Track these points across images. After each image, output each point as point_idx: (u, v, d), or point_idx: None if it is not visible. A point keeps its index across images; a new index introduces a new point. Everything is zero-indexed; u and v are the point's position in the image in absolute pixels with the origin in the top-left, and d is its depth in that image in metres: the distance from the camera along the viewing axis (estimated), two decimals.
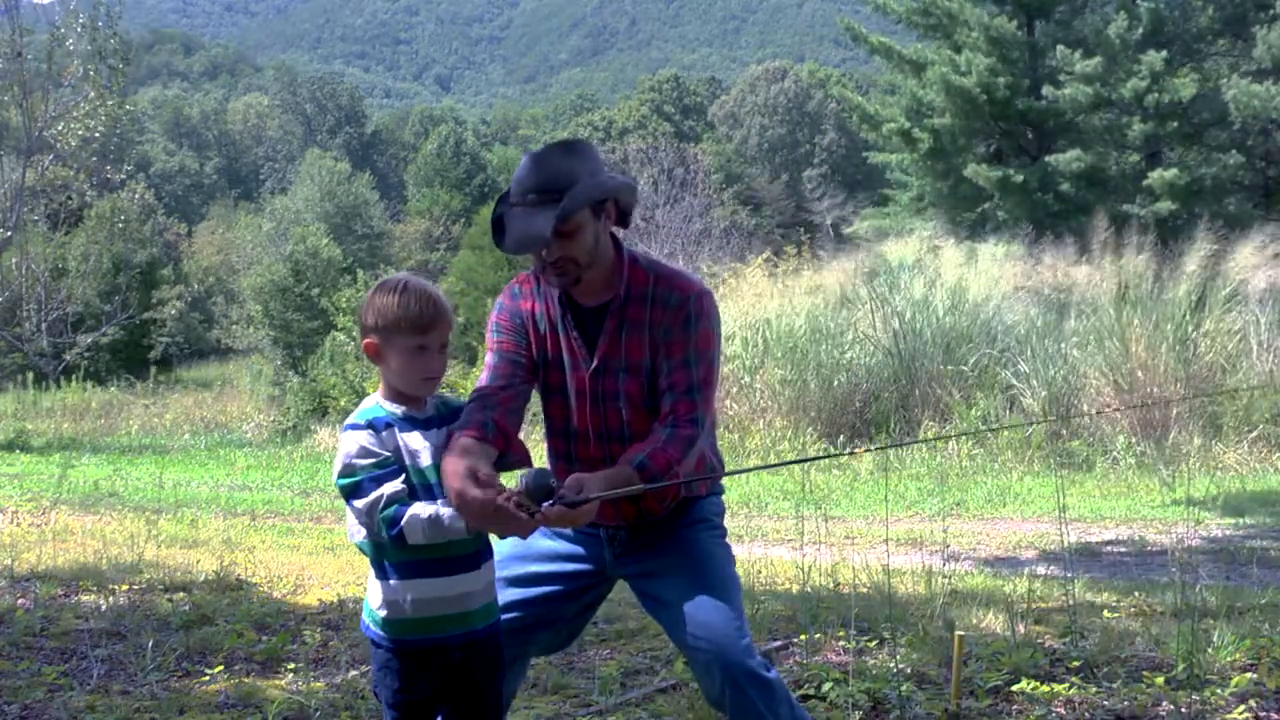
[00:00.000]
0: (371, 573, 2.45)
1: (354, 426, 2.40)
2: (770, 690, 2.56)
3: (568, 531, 2.80)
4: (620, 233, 2.79)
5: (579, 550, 2.81)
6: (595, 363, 2.69)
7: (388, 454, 2.37)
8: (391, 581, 2.40)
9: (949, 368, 12.06)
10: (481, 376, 2.76)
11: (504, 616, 2.64)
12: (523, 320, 2.76)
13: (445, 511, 2.30)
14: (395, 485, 2.33)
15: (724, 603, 2.60)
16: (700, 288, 2.71)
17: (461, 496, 2.27)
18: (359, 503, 2.33)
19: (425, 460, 2.41)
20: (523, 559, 2.78)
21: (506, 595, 2.69)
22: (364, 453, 2.35)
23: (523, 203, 2.59)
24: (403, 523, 2.30)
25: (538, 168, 2.59)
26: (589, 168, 2.61)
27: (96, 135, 19.76)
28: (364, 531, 2.38)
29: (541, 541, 2.78)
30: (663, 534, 2.75)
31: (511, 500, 2.27)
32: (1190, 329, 11.18)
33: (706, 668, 2.56)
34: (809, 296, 14.10)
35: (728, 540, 2.84)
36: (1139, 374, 10.96)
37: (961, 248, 14.93)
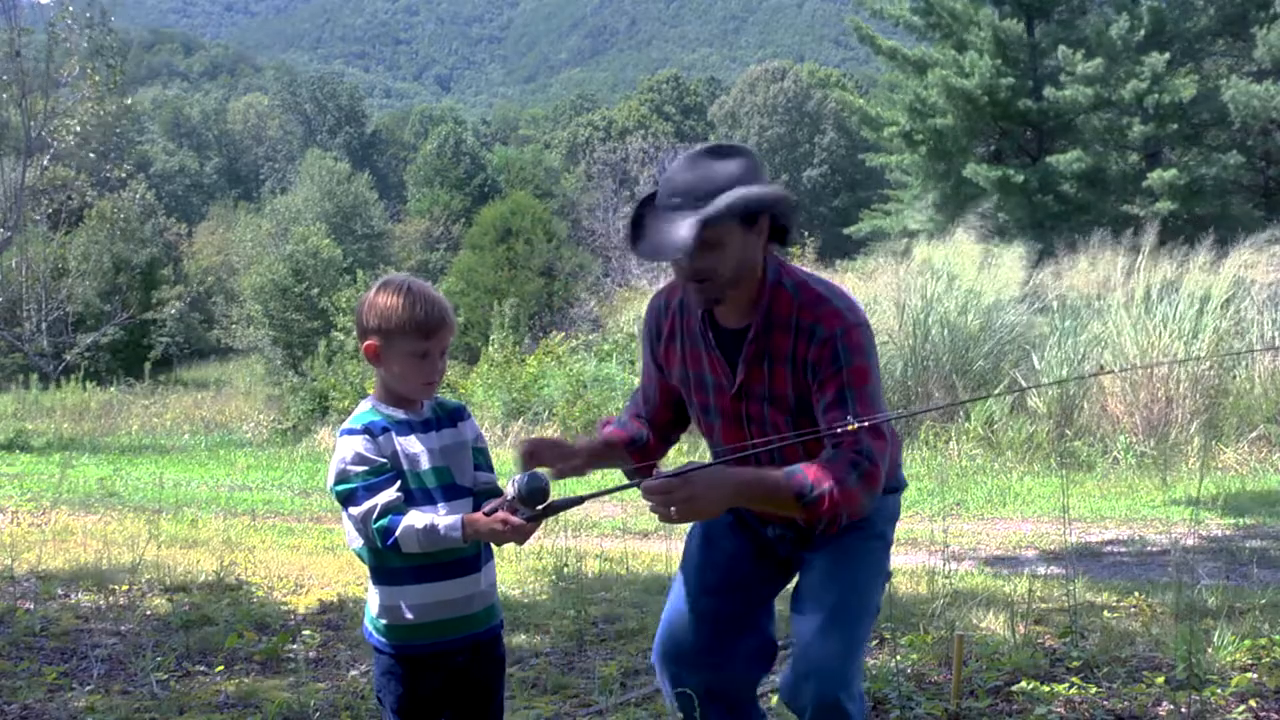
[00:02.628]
0: (370, 579, 2.42)
1: (350, 431, 2.36)
2: None
3: (742, 532, 2.75)
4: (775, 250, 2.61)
5: (755, 550, 2.75)
6: (736, 388, 2.58)
7: (383, 460, 2.32)
8: (391, 587, 2.37)
9: (961, 359, 12.04)
10: (636, 394, 2.84)
11: (716, 618, 2.65)
12: (662, 343, 2.70)
13: (441, 522, 2.27)
14: (389, 494, 2.29)
15: (845, 626, 2.53)
16: (848, 320, 2.49)
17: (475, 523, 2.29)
18: (354, 511, 2.30)
19: (424, 464, 2.36)
20: (707, 567, 2.73)
21: (706, 605, 2.67)
22: (359, 459, 2.31)
23: (667, 205, 2.42)
24: (397, 533, 2.26)
25: (690, 168, 2.42)
26: (744, 175, 2.42)
27: (93, 129, 19.76)
28: (362, 538, 2.35)
29: (723, 543, 2.74)
30: (830, 533, 2.64)
31: (503, 507, 2.25)
32: (1195, 330, 11.16)
33: (798, 682, 2.51)
34: None
35: (889, 551, 2.74)
36: (1145, 373, 10.94)
37: (967, 248, 14.90)
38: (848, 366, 2.45)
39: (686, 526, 2.85)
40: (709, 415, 2.66)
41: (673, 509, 2.28)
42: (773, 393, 2.54)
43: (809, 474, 2.36)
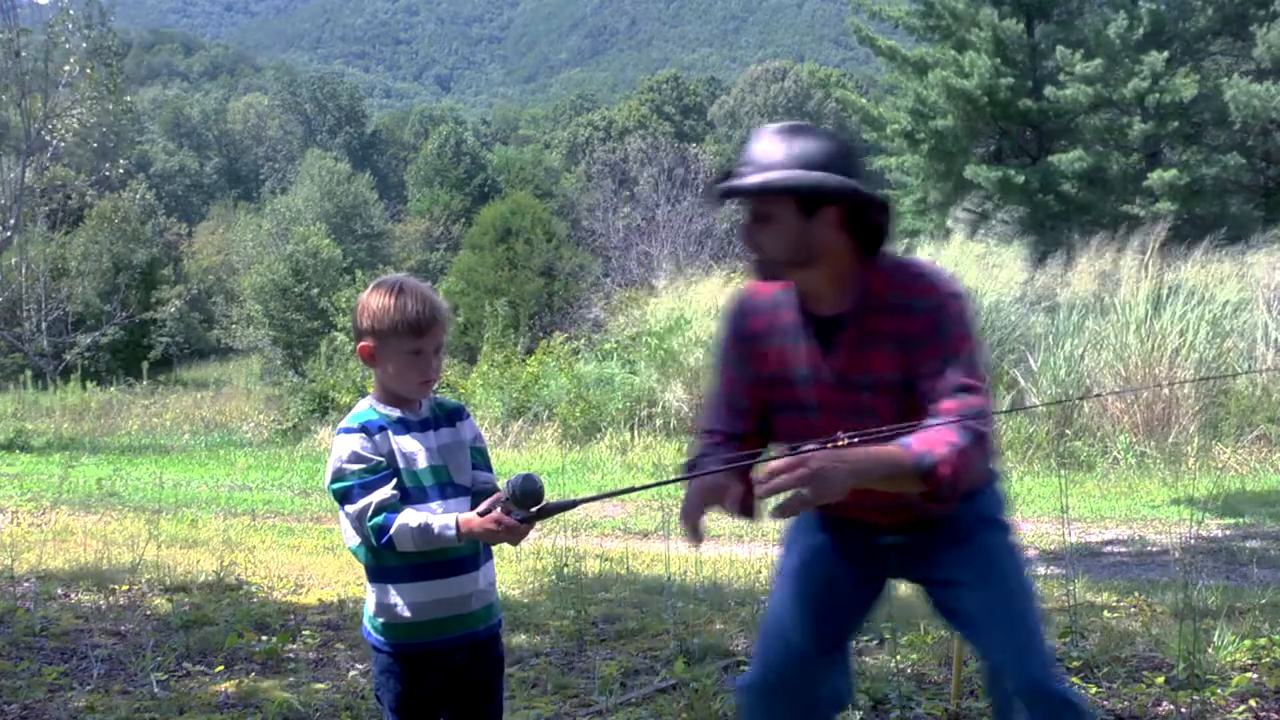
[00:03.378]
0: (368, 577, 2.43)
1: (346, 430, 2.37)
2: (1078, 714, 2.45)
3: (844, 554, 2.67)
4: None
5: (855, 573, 2.68)
6: (836, 376, 2.51)
7: (380, 459, 2.33)
8: (389, 586, 2.38)
9: None
10: (709, 408, 2.65)
11: (816, 645, 2.60)
12: (749, 344, 2.60)
13: (436, 521, 2.27)
14: (385, 492, 2.30)
15: (1023, 620, 2.49)
16: (948, 290, 2.46)
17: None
18: (349, 508, 2.31)
19: (421, 463, 2.37)
20: (807, 591, 2.66)
21: (808, 632, 2.60)
22: (355, 458, 2.32)
23: (738, 174, 2.45)
24: (392, 531, 2.27)
25: (762, 142, 2.45)
26: (814, 159, 2.39)
27: (91, 127, 19.77)
28: (358, 536, 2.35)
29: (821, 566, 2.67)
30: (951, 537, 2.54)
31: (497, 507, 2.24)
32: (1198, 332, 11.16)
33: (1010, 699, 2.45)
34: None
35: (1013, 537, 2.67)
36: (1147, 373, 10.95)
37: (969, 248, 14.91)
38: (948, 335, 2.42)
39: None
40: (806, 412, 2.56)
41: (806, 488, 2.18)
42: (874, 378, 2.48)
43: (919, 443, 2.30)
